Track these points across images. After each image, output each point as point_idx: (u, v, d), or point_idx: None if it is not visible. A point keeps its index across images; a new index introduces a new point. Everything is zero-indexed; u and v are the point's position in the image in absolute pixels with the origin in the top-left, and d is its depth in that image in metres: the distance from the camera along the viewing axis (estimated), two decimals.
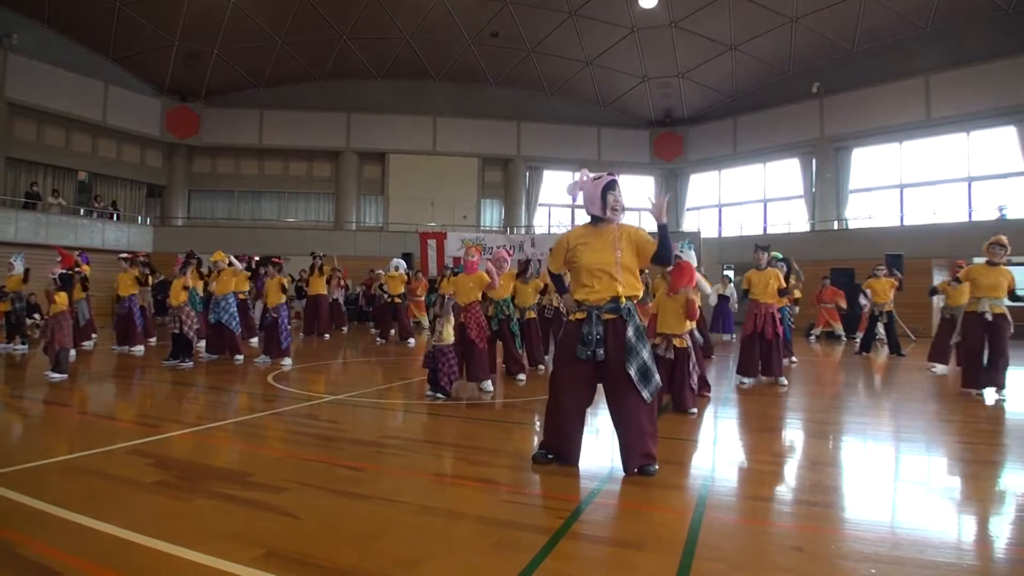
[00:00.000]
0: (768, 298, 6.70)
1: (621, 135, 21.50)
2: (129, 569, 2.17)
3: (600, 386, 3.54)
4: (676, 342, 5.19)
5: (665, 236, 3.43)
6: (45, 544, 2.34)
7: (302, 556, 2.27)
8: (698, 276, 6.02)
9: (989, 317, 6.04)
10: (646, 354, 3.40)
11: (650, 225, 3.55)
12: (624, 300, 3.42)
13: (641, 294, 3.55)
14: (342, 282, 14.48)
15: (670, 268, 5.22)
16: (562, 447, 3.52)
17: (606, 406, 3.53)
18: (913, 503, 3.13)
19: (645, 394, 3.34)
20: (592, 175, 3.59)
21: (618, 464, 3.50)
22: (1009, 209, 14.51)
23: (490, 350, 6.46)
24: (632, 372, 3.32)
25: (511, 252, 7.26)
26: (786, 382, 6.68)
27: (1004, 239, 6.18)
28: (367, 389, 6.34)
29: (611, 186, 3.49)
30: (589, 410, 3.63)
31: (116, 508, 2.71)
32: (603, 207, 3.47)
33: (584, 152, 21.06)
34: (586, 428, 3.64)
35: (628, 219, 3.74)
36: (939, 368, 8.02)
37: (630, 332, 3.38)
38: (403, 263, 12.02)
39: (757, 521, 2.78)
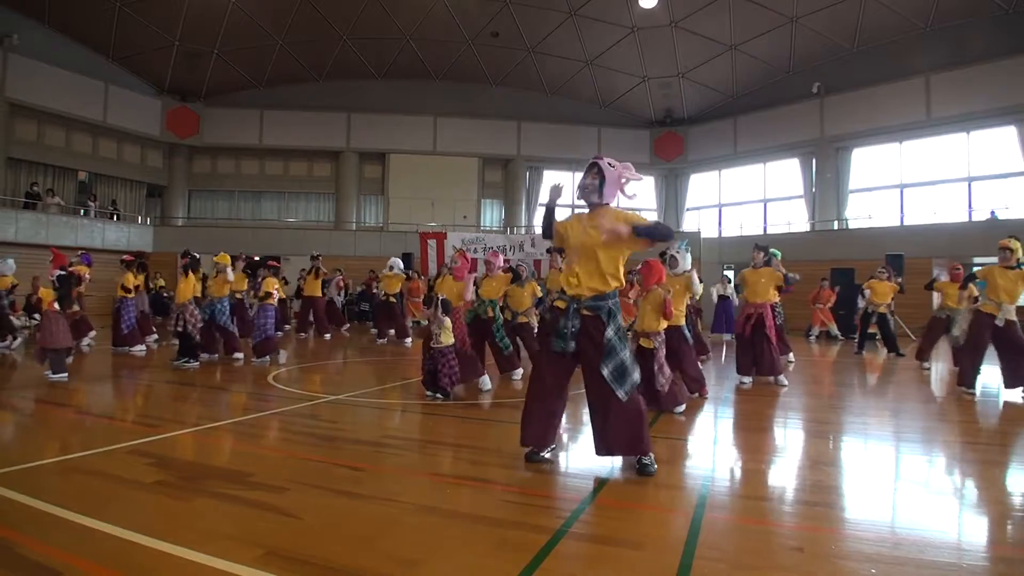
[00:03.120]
0: (759, 297, 6.71)
1: (621, 135, 21.50)
2: (129, 569, 2.17)
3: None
4: (643, 342, 5.11)
5: (644, 230, 3.32)
6: (45, 544, 2.34)
7: (302, 556, 2.27)
8: (692, 275, 6.02)
9: (1001, 323, 6.04)
10: (626, 354, 3.37)
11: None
12: (607, 301, 3.38)
13: (621, 285, 3.49)
14: (341, 283, 14.48)
15: (639, 267, 5.24)
16: (544, 435, 3.51)
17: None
18: (913, 503, 3.13)
19: (620, 393, 3.32)
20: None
21: (618, 464, 3.51)
22: (1001, 212, 14.58)
23: (478, 350, 6.50)
24: (606, 373, 3.31)
25: (497, 254, 7.29)
26: (786, 382, 6.68)
27: (1008, 242, 6.18)
28: (367, 389, 6.34)
29: (588, 168, 3.50)
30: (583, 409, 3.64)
31: (116, 508, 2.71)
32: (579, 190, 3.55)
33: (584, 152, 21.04)
34: (585, 428, 3.64)
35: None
36: (926, 364, 8.11)
37: (610, 332, 3.35)
38: (400, 262, 12.01)
39: (757, 521, 2.78)
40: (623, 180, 3.47)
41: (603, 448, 3.41)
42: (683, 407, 5.12)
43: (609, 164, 3.46)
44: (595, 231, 3.38)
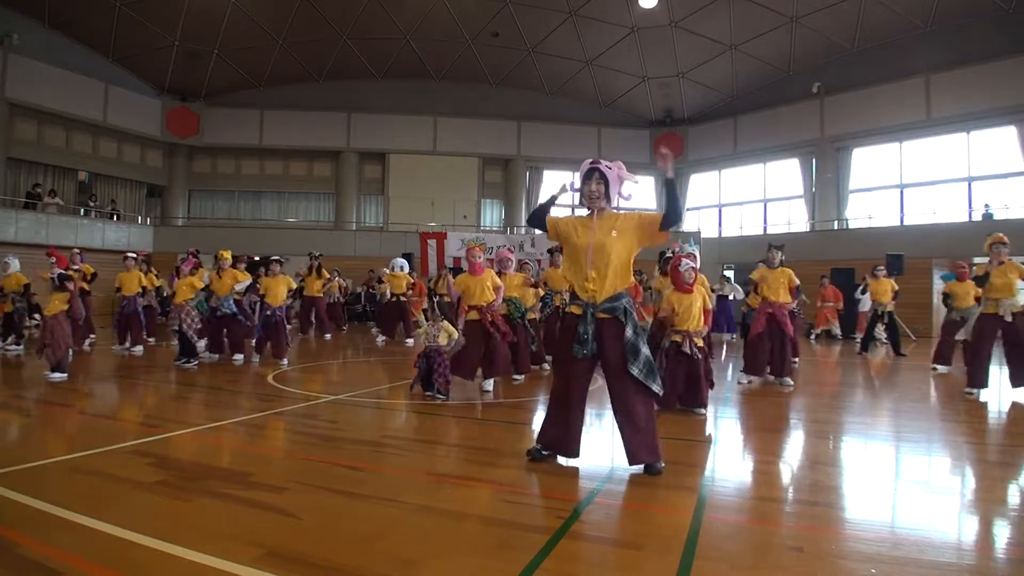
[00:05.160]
0: (780, 297, 6.70)
1: (621, 135, 21.50)
2: (129, 569, 2.17)
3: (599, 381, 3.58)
4: (698, 341, 5.16)
5: (673, 191, 3.41)
6: (45, 544, 2.34)
7: (302, 556, 2.27)
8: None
9: (1008, 318, 5.99)
10: (646, 350, 3.40)
11: None
12: (621, 300, 3.41)
13: (631, 283, 3.53)
14: (338, 284, 14.47)
15: (676, 267, 5.25)
16: (565, 441, 3.51)
17: (609, 405, 3.54)
18: (913, 503, 3.13)
19: (656, 388, 3.36)
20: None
21: (618, 464, 3.50)
22: (999, 211, 14.60)
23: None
24: (636, 372, 3.32)
25: (512, 251, 7.25)
26: (791, 382, 6.65)
27: (1003, 236, 6.15)
28: (367, 389, 6.34)
29: (587, 175, 3.47)
30: (592, 409, 3.65)
31: (116, 508, 2.71)
32: (581, 199, 3.52)
33: (584, 152, 20.95)
34: (587, 427, 3.65)
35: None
36: (941, 368, 8.01)
37: (629, 332, 3.36)
38: (405, 262, 11.98)
39: (757, 521, 2.78)
40: (621, 180, 3.49)
41: (640, 456, 3.36)
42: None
43: (607, 167, 3.47)
44: (610, 234, 3.39)
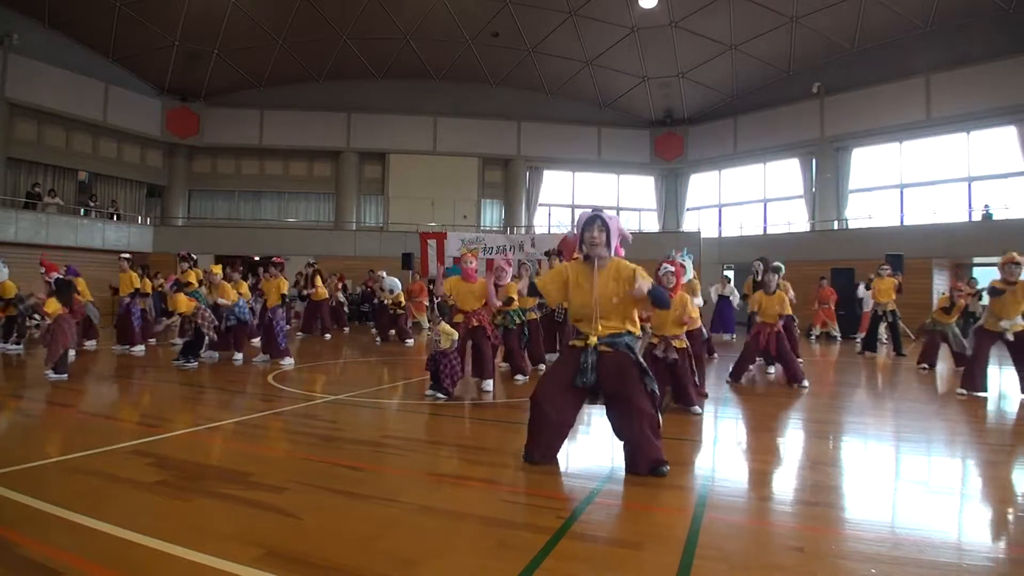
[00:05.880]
0: (773, 319, 6.82)
1: (621, 135, 21.50)
2: (129, 569, 2.17)
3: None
4: (676, 343, 5.18)
5: (657, 294, 3.43)
6: (45, 544, 2.34)
7: (302, 556, 2.28)
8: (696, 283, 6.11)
9: (1010, 337, 5.96)
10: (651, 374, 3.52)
11: (650, 224, 3.52)
12: (623, 338, 3.47)
13: (637, 331, 3.58)
14: (339, 284, 14.52)
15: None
16: (543, 455, 3.53)
17: (604, 406, 3.55)
18: (913, 503, 3.13)
19: (660, 410, 3.48)
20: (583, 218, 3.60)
21: (618, 464, 3.50)
22: (999, 211, 14.60)
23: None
24: (655, 389, 3.43)
25: (509, 257, 7.23)
26: (807, 384, 6.57)
27: (1017, 256, 6.07)
28: (367, 389, 6.34)
29: (589, 222, 3.51)
30: (593, 409, 3.66)
31: (116, 508, 2.71)
32: (581, 245, 3.55)
33: (584, 152, 21.10)
34: (586, 429, 3.66)
35: (627, 228, 3.71)
36: (923, 366, 8.13)
37: (638, 357, 3.48)
38: (396, 283, 12.03)
39: (757, 521, 2.78)
40: (621, 234, 3.57)
41: (643, 467, 3.39)
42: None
43: (608, 217, 3.55)
44: (611, 301, 3.44)
